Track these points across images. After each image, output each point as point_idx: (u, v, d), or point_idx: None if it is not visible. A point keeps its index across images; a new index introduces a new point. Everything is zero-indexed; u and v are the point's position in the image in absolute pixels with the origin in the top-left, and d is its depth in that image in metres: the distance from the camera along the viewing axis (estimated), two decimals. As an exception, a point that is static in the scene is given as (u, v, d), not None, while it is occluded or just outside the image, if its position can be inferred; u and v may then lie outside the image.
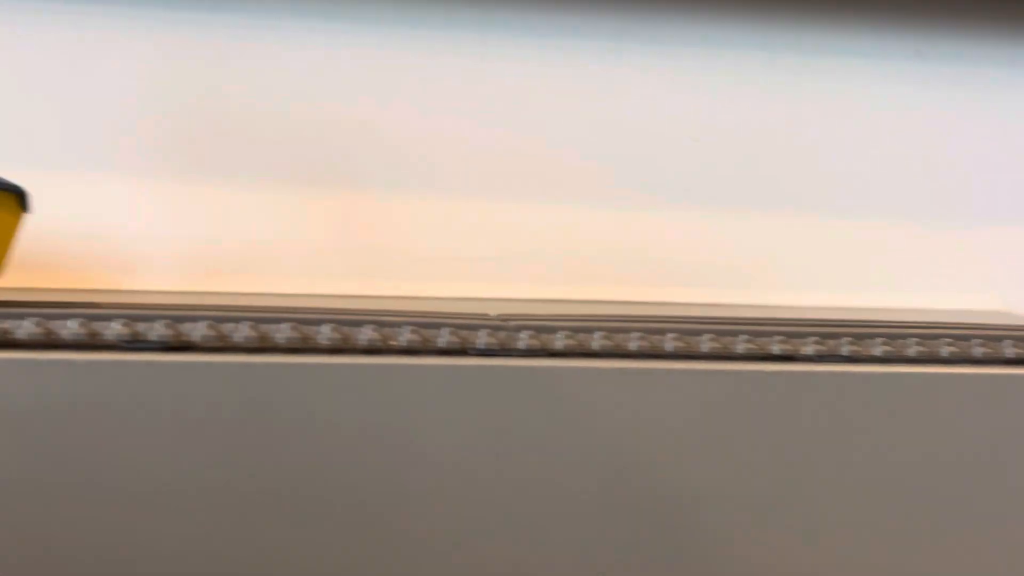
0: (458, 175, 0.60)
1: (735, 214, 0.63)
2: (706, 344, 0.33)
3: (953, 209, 0.66)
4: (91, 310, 0.31)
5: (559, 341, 0.33)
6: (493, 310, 0.37)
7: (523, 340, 0.33)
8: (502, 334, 0.33)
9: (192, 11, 0.57)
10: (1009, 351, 0.38)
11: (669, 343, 0.33)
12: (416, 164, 0.60)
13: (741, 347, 0.33)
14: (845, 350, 0.35)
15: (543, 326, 0.33)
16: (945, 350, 0.37)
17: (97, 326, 0.31)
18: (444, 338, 0.32)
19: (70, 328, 0.30)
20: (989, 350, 0.38)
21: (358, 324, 0.32)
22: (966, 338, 0.38)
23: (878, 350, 0.36)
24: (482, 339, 0.32)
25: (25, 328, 0.30)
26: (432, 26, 0.60)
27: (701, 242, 0.63)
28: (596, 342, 0.33)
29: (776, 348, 0.33)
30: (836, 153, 0.64)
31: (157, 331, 0.31)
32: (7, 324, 0.30)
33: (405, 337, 0.32)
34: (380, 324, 0.32)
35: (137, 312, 0.31)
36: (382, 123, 0.59)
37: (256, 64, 0.58)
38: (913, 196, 0.65)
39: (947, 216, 0.66)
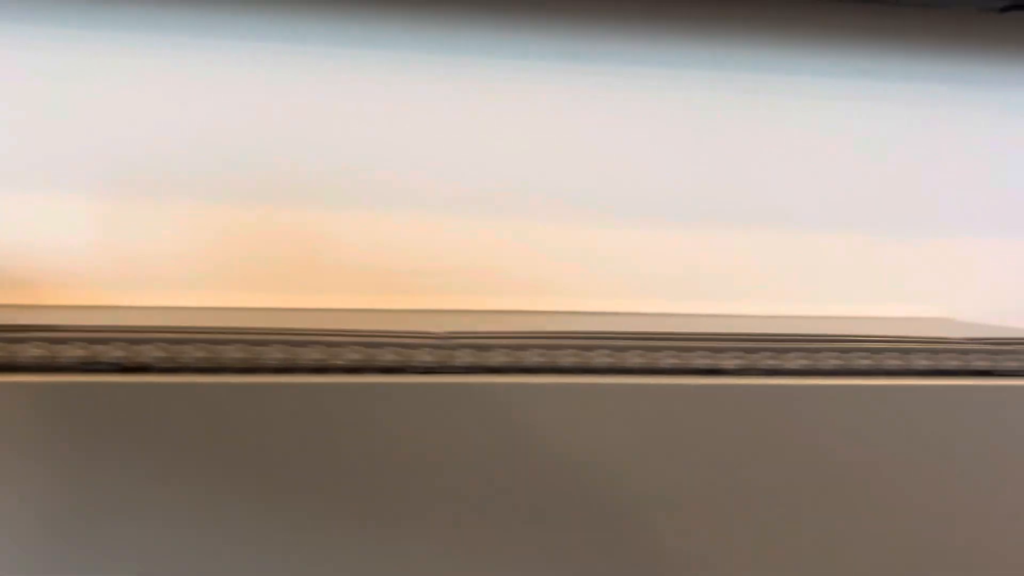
0: (420, 191, 0.62)
1: (689, 228, 0.66)
2: (633, 359, 0.35)
3: (898, 222, 0.69)
4: (51, 333, 0.33)
5: (496, 358, 0.35)
6: (438, 325, 0.39)
7: (462, 358, 0.35)
8: (442, 352, 0.35)
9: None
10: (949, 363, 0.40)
11: (599, 359, 0.35)
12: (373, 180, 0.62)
13: (667, 362, 0.35)
14: (796, 364, 0.37)
15: (482, 344, 0.35)
16: (890, 363, 0.39)
17: (57, 348, 0.32)
18: (387, 356, 0.34)
19: (31, 352, 0.32)
20: (931, 362, 0.40)
21: (304, 344, 0.34)
22: (909, 351, 0.40)
23: (829, 364, 0.38)
24: (422, 357, 0.34)
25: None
26: (397, 45, 0.62)
27: (654, 254, 0.65)
28: (531, 359, 0.35)
29: (700, 362, 0.35)
30: (785, 169, 0.67)
31: (113, 353, 0.32)
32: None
33: (349, 356, 0.34)
34: (327, 344, 0.34)
35: (94, 336, 0.33)
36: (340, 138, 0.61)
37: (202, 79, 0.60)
38: (860, 209, 0.68)
39: (893, 228, 0.69)
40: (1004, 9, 0.62)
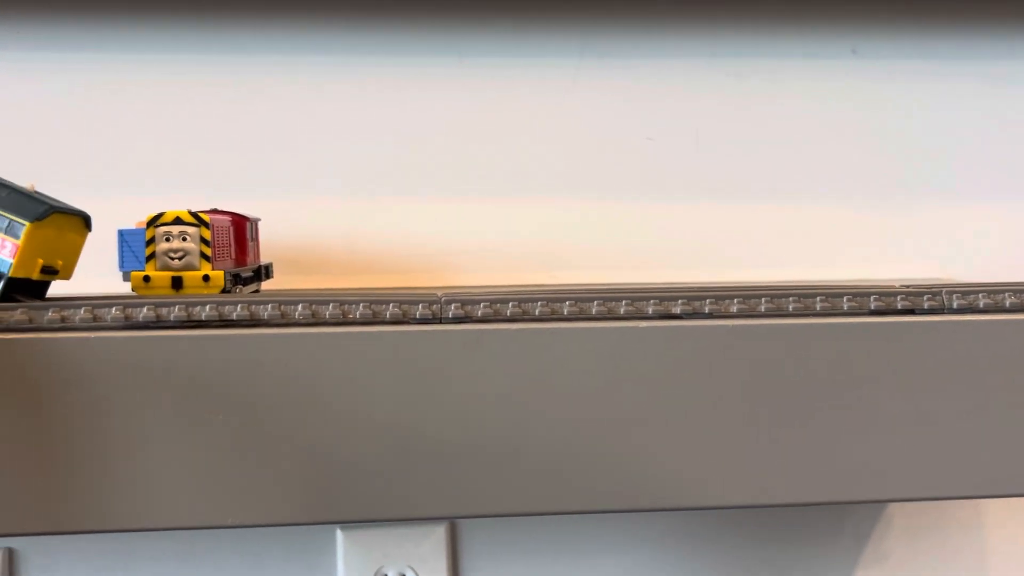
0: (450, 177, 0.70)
1: (691, 204, 0.72)
2: (594, 308, 0.42)
3: (894, 189, 0.73)
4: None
5: (480, 310, 0.42)
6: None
7: (451, 310, 0.42)
8: (435, 306, 0.42)
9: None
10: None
11: (566, 308, 0.42)
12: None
13: (623, 310, 0.42)
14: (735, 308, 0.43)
15: (468, 299, 0.43)
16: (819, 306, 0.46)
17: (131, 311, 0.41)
18: (390, 311, 0.42)
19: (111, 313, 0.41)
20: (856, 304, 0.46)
21: (324, 302, 0.42)
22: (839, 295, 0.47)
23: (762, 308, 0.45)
24: (420, 311, 0.42)
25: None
26: (414, 51, 0.70)
27: (657, 230, 0.72)
28: (510, 310, 0.42)
29: (651, 309, 0.42)
30: (782, 144, 0.72)
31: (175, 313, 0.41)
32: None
33: (360, 311, 0.42)
34: (340, 302, 0.42)
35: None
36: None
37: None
38: (856, 180, 0.73)
39: (889, 196, 0.73)
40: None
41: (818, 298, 0.46)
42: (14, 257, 0.42)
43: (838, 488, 0.46)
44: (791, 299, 0.46)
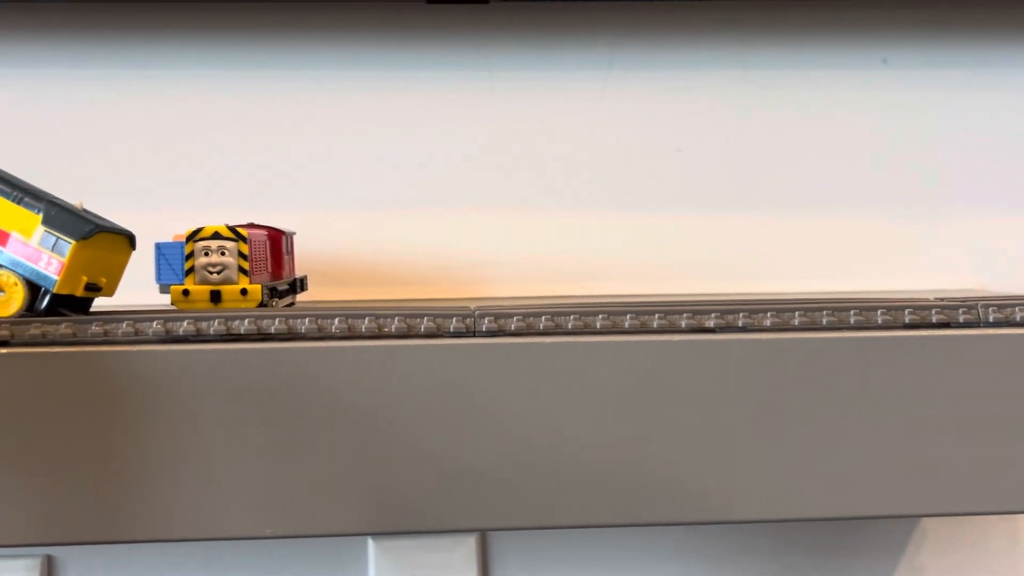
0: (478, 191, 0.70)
1: (720, 215, 0.72)
2: (627, 322, 0.42)
3: (927, 200, 0.73)
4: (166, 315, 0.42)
5: (513, 324, 0.43)
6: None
7: (485, 324, 0.43)
8: (469, 320, 0.43)
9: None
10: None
11: (599, 322, 0.42)
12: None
13: (656, 323, 0.42)
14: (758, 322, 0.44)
15: (501, 313, 0.43)
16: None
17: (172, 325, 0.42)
18: (424, 324, 0.42)
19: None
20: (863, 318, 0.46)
21: (360, 316, 0.43)
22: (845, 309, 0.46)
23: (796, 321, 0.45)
24: (453, 324, 0.43)
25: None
26: (444, 66, 0.70)
27: (694, 240, 0.72)
28: (543, 323, 0.42)
29: (683, 323, 0.43)
30: (813, 155, 0.72)
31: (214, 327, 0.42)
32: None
33: (395, 325, 0.42)
34: (375, 315, 0.43)
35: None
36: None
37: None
38: (889, 190, 0.73)
39: (922, 206, 0.73)
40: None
41: (852, 312, 0.46)
42: (59, 274, 0.42)
43: (873, 502, 0.45)
44: (825, 312, 0.46)
